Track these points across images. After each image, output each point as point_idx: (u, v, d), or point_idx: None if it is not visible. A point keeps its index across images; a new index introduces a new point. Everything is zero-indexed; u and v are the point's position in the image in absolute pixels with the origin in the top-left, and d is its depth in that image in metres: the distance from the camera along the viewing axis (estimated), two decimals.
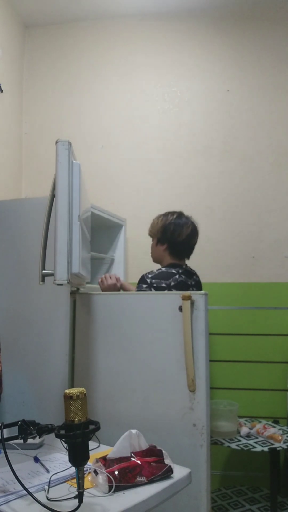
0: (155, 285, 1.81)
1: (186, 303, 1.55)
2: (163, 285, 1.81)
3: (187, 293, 1.56)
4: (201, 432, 1.52)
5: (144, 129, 2.75)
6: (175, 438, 1.54)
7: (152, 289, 1.80)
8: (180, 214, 1.98)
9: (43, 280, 1.40)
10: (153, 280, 1.82)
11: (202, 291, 1.59)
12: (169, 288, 1.81)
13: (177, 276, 1.86)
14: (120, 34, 2.82)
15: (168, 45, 2.76)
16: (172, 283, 1.83)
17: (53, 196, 1.41)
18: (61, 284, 1.33)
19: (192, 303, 1.56)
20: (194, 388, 1.53)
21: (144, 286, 1.82)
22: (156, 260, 2.03)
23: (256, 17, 2.68)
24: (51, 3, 2.69)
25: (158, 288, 1.80)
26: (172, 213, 1.99)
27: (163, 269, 1.89)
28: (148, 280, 1.83)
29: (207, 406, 1.54)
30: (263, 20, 2.67)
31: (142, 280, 1.86)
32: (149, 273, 1.87)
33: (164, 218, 1.98)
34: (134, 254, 2.65)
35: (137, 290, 1.85)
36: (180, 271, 1.89)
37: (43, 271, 1.40)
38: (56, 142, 1.35)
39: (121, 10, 2.75)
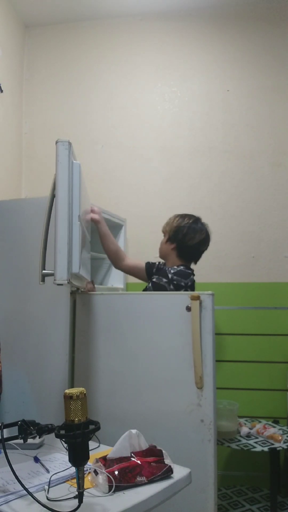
0: (175, 282, 1.82)
1: (195, 303, 1.58)
2: (182, 283, 1.83)
3: (195, 293, 1.60)
4: (208, 428, 1.55)
5: (144, 129, 2.75)
6: (183, 433, 1.57)
7: (172, 286, 1.81)
8: (197, 220, 1.98)
9: (43, 280, 1.40)
10: (175, 277, 1.83)
11: (209, 291, 1.60)
12: (186, 287, 1.83)
13: (192, 276, 1.90)
14: (120, 34, 2.82)
15: (168, 45, 2.77)
16: (189, 283, 1.86)
17: (53, 196, 1.41)
18: (61, 284, 1.33)
19: (200, 303, 1.59)
20: (202, 385, 1.56)
21: (164, 280, 1.82)
22: (162, 256, 2.05)
23: (256, 17, 2.68)
24: (51, 3, 2.69)
25: (178, 286, 1.81)
26: (190, 216, 1.98)
27: (182, 267, 1.90)
28: (170, 276, 1.83)
29: (214, 403, 1.57)
30: (263, 20, 2.68)
31: (164, 273, 1.85)
32: (170, 268, 1.88)
33: (181, 219, 1.97)
34: (134, 254, 2.64)
35: (154, 281, 1.84)
36: (191, 271, 1.94)
37: (43, 271, 1.40)
38: (56, 142, 1.35)
39: (121, 10, 2.75)
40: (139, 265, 2.09)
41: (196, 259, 2.02)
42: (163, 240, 2.03)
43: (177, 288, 1.81)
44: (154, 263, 2.08)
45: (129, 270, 2.12)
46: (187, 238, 1.93)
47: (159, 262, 2.08)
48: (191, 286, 1.87)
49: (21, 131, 2.85)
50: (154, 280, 1.85)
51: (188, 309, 1.60)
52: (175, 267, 1.90)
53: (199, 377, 1.56)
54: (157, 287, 1.82)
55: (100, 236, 2.01)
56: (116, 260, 2.07)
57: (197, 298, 1.58)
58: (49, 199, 1.44)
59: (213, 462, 1.54)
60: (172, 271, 1.85)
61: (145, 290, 1.94)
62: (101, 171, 2.76)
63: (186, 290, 1.83)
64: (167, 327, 1.64)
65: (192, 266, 2.02)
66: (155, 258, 2.11)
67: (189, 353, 1.58)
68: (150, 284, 1.86)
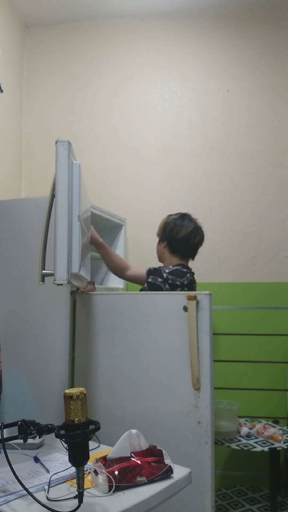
0: (170, 281, 1.82)
1: (191, 303, 1.57)
2: (178, 282, 1.83)
3: (192, 293, 1.59)
4: (205, 430, 1.54)
5: (144, 129, 2.75)
6: (180, 435, 1.56)
7: (167, 285, 1.81)
8: (183, 215, 2.01)
9: (43, 280, 1.40)
10: (170, 276, 1.83)
11: (207, 291, 1.60)
12: (182, 286, 1.83)
13: (188, 275, 1.89)
14: (120, 34, 2.82)
15: (168, 45, 2.76)
16: (185, 282, 1.85)
17: (53, 196, 1.41)
18: (61, 284, 1.33)
19: (197, 303, 1.58)
20: (199, 386, 1.55)
21: (160, 280, 1.83)
22: (158, 258, 2.06)
23: (256, 17, 2.68)
24: (51, 3, 2.69)
25: (173, 285, 1.82)
26: (178, 213, 2.03)
27: (178, 267, 1.90)
28: (165, 275, 1.84)
29: (211, 404, 1.56)
30: (263, 20, 2.67)
31: (158, 273, 1.85)
32: (165, 267, 1.88)
33: (168, 217, 2.03)
34: (134, 254, 2.65)
35: (149, 281, 1.84)
36: (188, 270, 1.93)
37: (43, 271, 1.40)
38: (56, 142, 1.35)
39: (121, 10, 2.75)
40: (141, 273, 2.02)
41: (190, 255, 2.00)
42: (157, 242, 2.06)
43: (173, 287, 1.81)
44: (156, 268, 2.05)
45: (133, 279, 2.06)
46: (174, 231, 1.95)
47: (159, 267, 2.07)
48: (187, 285, 1.86)
49: (21, 131, 2.85)
50: (149, 280, 1.85)
51: (185, 309, 1.59)
52: (171, 266, 1.90)
53: (196, 378, 1.55)
54: (153, 287, 1.82)
55: (104, 256, 1.97)
56: (120, 272, 2.03)
57: (194, 298, 1.57)
58: (49, 199, 1.44)
59: (210, 464, 1.52)
60: (167, 271, 1.86)
61: (141, 291, 1.94)
62: (101, 171, 2.76)
63: (182, 289, 1.83)
64: (165, 327, 1.63)
65: (191, 264, 2.02)
66: (155, 258, 2.11)
67: (186, 353, 1.57)
68: (145, 285, 1.86)
